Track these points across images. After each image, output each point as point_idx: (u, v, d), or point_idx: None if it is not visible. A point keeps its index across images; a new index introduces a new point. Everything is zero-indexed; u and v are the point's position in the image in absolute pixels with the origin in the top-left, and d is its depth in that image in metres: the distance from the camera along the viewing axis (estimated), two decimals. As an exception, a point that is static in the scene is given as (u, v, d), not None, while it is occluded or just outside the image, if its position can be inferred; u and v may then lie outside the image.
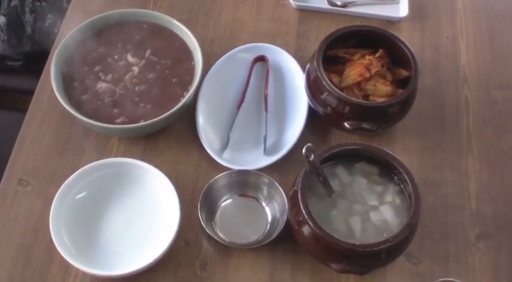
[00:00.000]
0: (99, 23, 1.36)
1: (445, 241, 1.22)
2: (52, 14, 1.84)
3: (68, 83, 1.28)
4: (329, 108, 1.25)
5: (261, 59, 1.39)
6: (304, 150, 1.06)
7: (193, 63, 1.32)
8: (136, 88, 1.29)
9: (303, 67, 1.34)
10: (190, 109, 1.31)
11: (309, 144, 1.07)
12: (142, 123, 1.23)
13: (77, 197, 1.20)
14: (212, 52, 1.42)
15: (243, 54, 1.40)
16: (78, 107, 1.25)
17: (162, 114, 1.22)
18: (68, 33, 1.32)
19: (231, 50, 1.40)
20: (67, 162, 1.27)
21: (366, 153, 1.14)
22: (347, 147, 1.15)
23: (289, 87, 1.35)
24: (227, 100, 1.34)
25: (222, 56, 1.38)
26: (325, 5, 1.52)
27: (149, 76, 1.30)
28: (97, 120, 1.23)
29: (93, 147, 1.29)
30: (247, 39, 1.45)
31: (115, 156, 1.26)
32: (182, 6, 1.50)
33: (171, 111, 1.23)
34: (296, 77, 1.35)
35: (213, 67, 1.36)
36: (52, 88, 1.26)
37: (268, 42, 1.41)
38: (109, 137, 1.29)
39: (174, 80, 1.31)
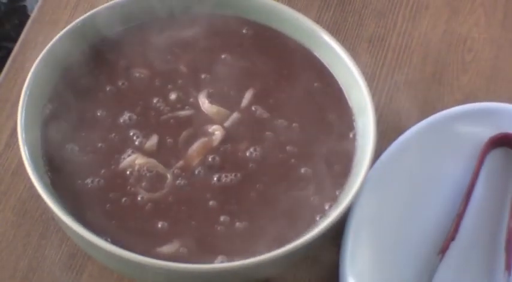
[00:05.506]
0: (136, 9, 0.87)
1: None
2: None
3: (55, 143, 0.82)
4: None
5: (505, 141, 0.87)
6: None
7: (352, 134, 0.83)
8: (215, 178, 0.80)
9: None
10: (329, 238, 0.81)
11: None
12: (221, 263, 0.75)
13: None
14: (390, 112, 0.88)
15: (460, 125, 0.87)
16: (73, 203, 0.77)
17: (269, 249, 0.75)
18: (62, 31, 0.82)
19: (435, 112, 0.87)
20: None
21: None
22: None
23: None
24: (418, 230, 0.88)
25: (413, 124, 0.86)
26: None
27: (247, 153, 0.83)
28: (115, 241, 0.76)
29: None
30: (476, 91, 0.90)
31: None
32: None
33: (291, 245, 0.76)
34: None
35: (391, 148, 0.86)
36: (13, 142, 0.82)
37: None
38: (136, 282, 0.82)
39: (303, 170, 0.82)
